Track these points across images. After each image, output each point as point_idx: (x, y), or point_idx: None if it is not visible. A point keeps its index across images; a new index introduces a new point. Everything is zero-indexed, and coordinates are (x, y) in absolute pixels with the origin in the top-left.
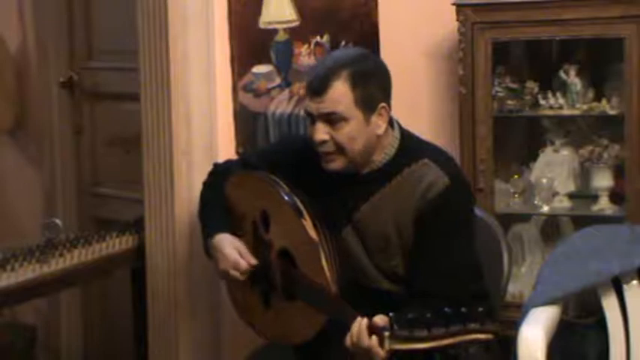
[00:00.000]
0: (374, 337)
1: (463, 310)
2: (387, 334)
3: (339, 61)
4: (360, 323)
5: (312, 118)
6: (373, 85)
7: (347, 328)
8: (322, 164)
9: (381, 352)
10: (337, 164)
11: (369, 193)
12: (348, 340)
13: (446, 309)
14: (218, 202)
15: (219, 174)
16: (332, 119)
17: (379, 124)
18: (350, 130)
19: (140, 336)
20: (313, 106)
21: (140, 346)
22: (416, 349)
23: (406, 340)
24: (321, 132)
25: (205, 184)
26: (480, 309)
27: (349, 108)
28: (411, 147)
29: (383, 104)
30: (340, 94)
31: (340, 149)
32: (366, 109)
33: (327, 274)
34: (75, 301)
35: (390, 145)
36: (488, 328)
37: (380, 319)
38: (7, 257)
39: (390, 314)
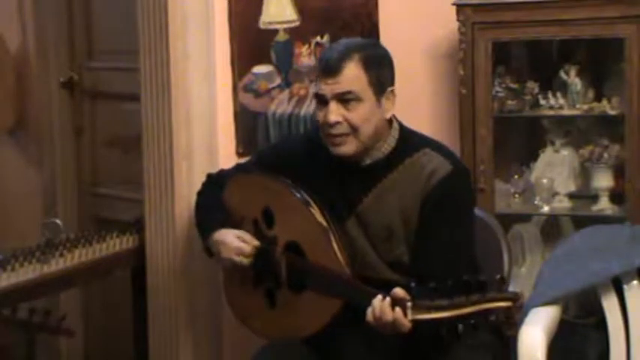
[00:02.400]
0: (397, 309)
1: (482, 278)
2: (409, 304)
3: (351, 45)
4: (382, 299)
5: (324, 99)
6: (383, 69)
7: (364, 310)
8: (332, 149)
9: (407, 322)
10: (348, 147)
11: (371, 184)
12: (370, 315)
13: (465, 277)
14: (215, 205)
15: (213, 183)
16: (346, 99)
17: (388, 107)
18: (364, 111)
19: (140, 336)
20: (326, 87)
21: (140, 346)
22: (438, 318)
23: (428, 310)
24: (335, 113)
25: (200, 193)
26: (498, 276)
27: (364, 88)
28: (410, 138)
29: (391, 88)
30: (355, 74)
31: (354, 130)
32: (377, 91)
33: (340, 257)
34: (75, 301)
35: (391, 136)
36: (507, 295)
37: (399, 291)
38: (7, 257)
39: (412, 284)
